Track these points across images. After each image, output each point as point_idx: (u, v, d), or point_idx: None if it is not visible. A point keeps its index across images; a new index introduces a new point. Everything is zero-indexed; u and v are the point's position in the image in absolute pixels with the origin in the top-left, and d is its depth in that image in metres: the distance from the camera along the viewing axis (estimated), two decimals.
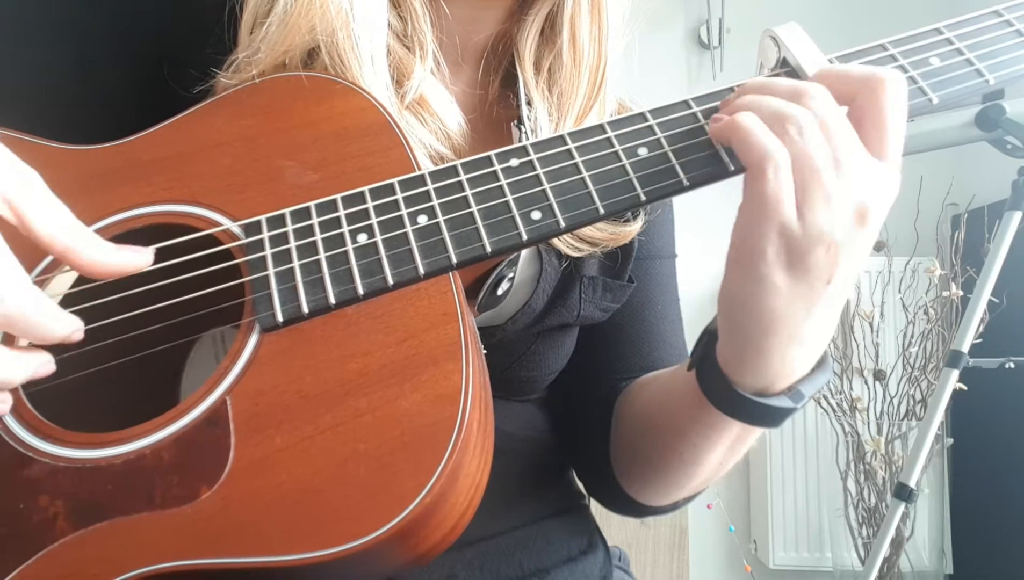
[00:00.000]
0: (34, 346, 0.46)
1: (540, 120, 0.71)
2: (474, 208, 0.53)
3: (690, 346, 0.84)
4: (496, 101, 0.74)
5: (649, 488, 0.76)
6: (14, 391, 0.49)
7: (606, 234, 0.72)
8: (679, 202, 0.76)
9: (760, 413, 0.57)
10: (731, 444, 0.66)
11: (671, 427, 0.68)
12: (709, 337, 0.59)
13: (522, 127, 0.70)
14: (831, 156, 0.50)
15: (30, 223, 0.45)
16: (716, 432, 0.63)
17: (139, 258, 0.50)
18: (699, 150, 0.54)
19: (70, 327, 0.46)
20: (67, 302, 0.49)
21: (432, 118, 0.66)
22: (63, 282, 0.53)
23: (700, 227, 1.80)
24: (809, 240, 0.49)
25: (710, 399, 0.59)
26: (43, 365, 0.46)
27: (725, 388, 0.57)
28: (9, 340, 0.48)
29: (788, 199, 0.49)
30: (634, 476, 0.77)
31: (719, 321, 0.57)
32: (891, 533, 1.86)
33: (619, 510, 0.83)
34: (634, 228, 0.74)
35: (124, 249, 0.49)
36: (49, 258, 0.53)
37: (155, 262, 0.51)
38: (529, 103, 0.71)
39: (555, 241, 0.71)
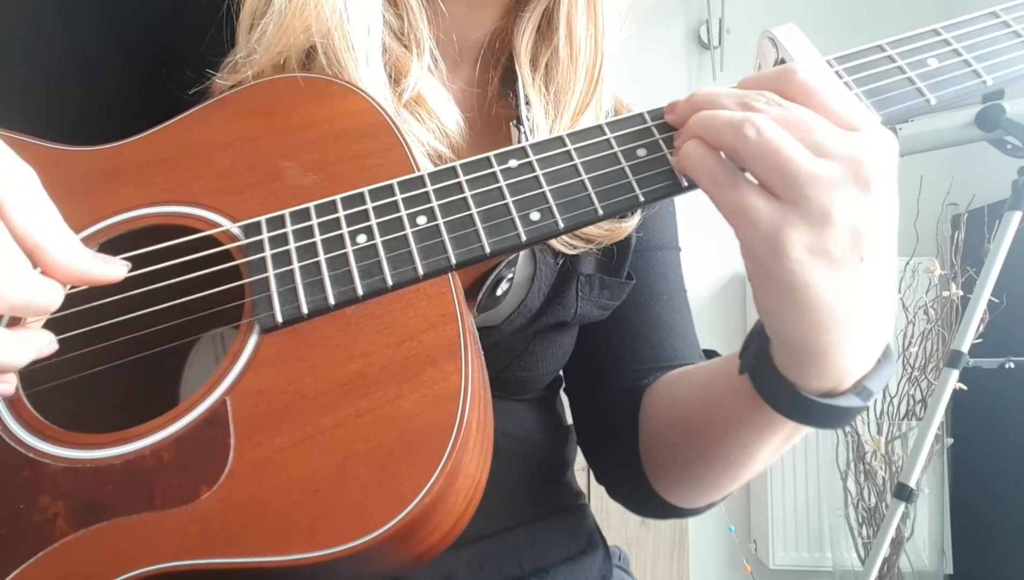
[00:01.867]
0: (34, 327, 0.47)
1: (536, 117, 0.71)
2: (473, 209, 0.53)
3: (704, 343, 0.84)
4: (495, 99, 0.74)
5: (686, 490, 0.75)
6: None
7: (602, 230, 0.72)
8: (682, 202, 0.76)
9: (828, 415, 0.54)
10: (782, 442, 0.64)
11: (718, 429, 0.66)
12: (760, 338, 0.56)
13: (521, 127, 0.70)
14: (802, 140, 0.48)
15: (7, 215, 0.44)
16: (770, 432, 0.62)
17: (110, 269, 0.49)
18: None
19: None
20: (67, 303, 0.49)
21: (430, 116, 0.66)
22: None
23: (705, 224, 1.79)
24: (815, 223, 0.47)
25: (771, 404, 0.56)
26: (47, 346, 0.47)
27: (788, 393, 0.54)
28: (11, 322, 0.48)
29: (757, 200, 0.48)
30: (670, 479, 0.75)
31: (769, 335, 0.55)
32: (891, 533, 1.86)
33: (648, 513, 0.81)
34: (630, 224, 0.74)
35: (98, 257, 0.48)
36: None
37: (155, 263, 0.51)
38: (528, 103, 0.71)
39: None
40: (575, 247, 0.72)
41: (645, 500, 0.78)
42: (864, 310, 0.50)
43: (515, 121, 0.71)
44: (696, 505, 0.77)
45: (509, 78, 0.74)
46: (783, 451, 0.66)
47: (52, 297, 0.45)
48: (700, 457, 0.69)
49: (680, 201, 0.77)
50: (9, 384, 0.47)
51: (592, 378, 0.82)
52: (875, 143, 0.49)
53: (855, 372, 0.53)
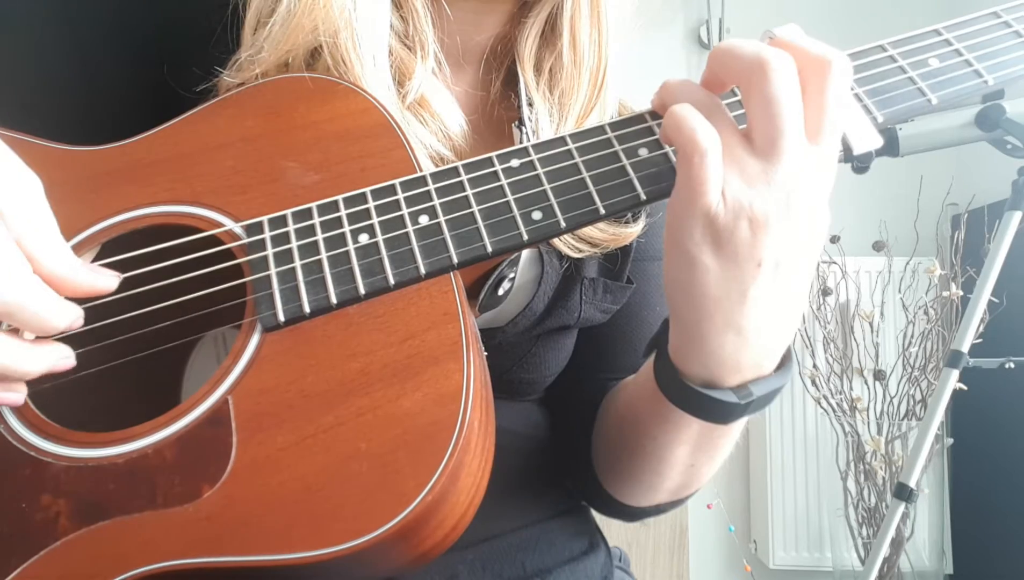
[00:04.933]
0: (51, 340, 0.46)
1: (541, 121, 0.71)
2: (475, 208, 0.53)
3: None
4: (497, 101, 0.74)
5: (625, 486, 0.76)
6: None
7: (607, 235, 0.72)
8: None
9: (702, 405, 0.56)
10: (695, 442, 0.65)
11: (636, 420, 0.68)
12: (666, 325, 0.58)
13: (523, 128, 0.70)
14: (758, 134, 0.49)
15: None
16: (673, 425, 0.63)
17: (100, 280, 0.48)
18: None
19: (70, 317, 0.46)
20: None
21: (433, 119, 0.66)
22: None
23: None
24: (729, 215, 0.49)
25: (660, 388, 0.59)
26: (62, 359, 0.47)
27: (673, 376, 0.56)
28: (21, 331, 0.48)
29: (714, 182, 0.49)
30: (610, 474, 0.77)
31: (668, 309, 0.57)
32: (891, 533, 1.86)
33: (604, 510, 0.82)
34: (635, 229, 0.74)
35: (89, 267, 0.48)
36: None
37: (157, 262, 0.52)
38: (530, 104, 0.71)
39: (556, 242, 0.71)
40: (580, 251, 0.72)
41: (597, 495, 0.79)
42: (750, 312, 0.52)
43: (517, 122, 0.71)
44: (640, 504, 0.77)
45: (511, 80, 0.74)
46: (710, 458, 0.68)
47: (47, 305, 0.45)
48: (626, 450, 0.71)
49: None
50: (17, 394, 0.47)
51: (574, 377, 0.82)
52: (817, 167, 0.50)
53: (736, 371, 0.54)
